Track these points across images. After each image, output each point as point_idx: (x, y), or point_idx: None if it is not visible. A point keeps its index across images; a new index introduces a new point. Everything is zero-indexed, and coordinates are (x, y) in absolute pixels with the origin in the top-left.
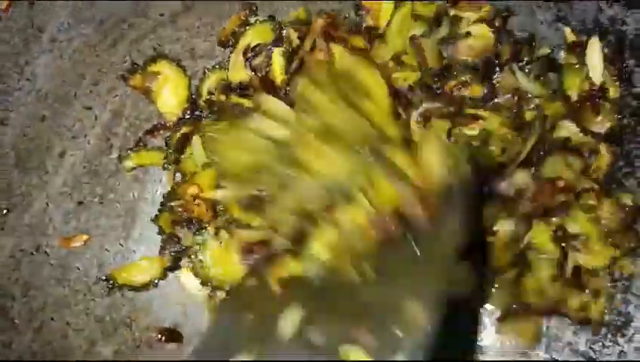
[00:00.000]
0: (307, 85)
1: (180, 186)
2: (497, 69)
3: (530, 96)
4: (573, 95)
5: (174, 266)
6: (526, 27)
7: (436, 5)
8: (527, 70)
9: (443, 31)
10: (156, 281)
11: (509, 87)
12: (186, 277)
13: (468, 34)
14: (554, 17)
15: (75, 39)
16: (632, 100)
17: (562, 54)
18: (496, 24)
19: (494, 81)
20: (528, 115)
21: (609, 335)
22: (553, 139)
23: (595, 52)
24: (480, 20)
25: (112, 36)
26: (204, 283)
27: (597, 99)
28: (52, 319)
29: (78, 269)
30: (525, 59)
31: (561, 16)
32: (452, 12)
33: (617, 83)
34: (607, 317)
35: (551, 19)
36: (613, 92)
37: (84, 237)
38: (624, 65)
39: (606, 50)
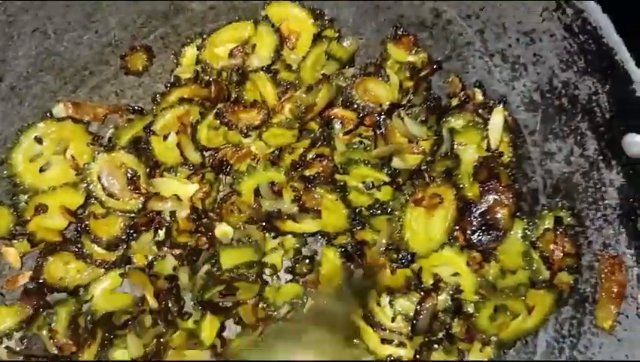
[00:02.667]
0: None
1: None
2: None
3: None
4: (469, 154)
5: None
6: (485, 84)
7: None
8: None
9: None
10: None
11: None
12: None
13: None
14: (510, 77)
15: (34, 87)
16: (584, 162)
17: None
18: (421, 73)
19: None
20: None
21: None
22: None
23: (497, 119)
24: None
25: (73, 83)
26: None
27: (491, 164)
28: None
29: None
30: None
31: (516, 77)
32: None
33: (513, 151)
34: None
35: (507, 79)
36: (507, 158)
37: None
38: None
39: (509, 119)
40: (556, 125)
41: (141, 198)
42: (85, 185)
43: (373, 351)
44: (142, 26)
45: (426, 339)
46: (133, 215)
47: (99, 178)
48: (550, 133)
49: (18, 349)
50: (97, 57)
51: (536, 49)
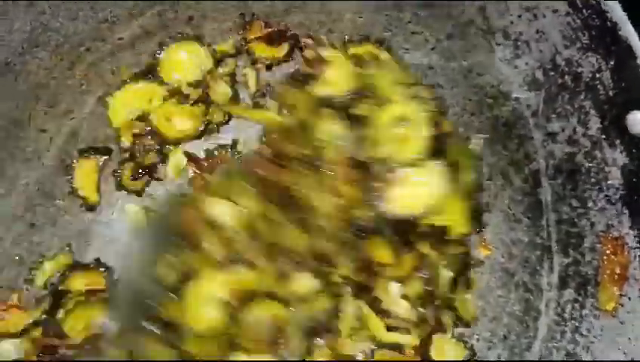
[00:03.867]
0: None
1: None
2: None
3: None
4: None
5: None
6: (486, 63)
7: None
8: None
9: None
10: None
11: None
12: None
13: None
14: (512, 55)
15: (29, 63)
16: (587, 141)
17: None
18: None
19: None
20: None
21: None
22: None
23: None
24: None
25: (68, 59)
26: None
27: None
28: None
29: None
30: None
31: (519, 55)
32: None
33: None
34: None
35: (509, 57)
36: None
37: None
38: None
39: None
40: (559, 104)
41: None
42: None
43: (379, 339)
44: (137, 3)
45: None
46: None
47: None
48: (553, 113)
49: None
50: (93, 34)
51: (539, 25)
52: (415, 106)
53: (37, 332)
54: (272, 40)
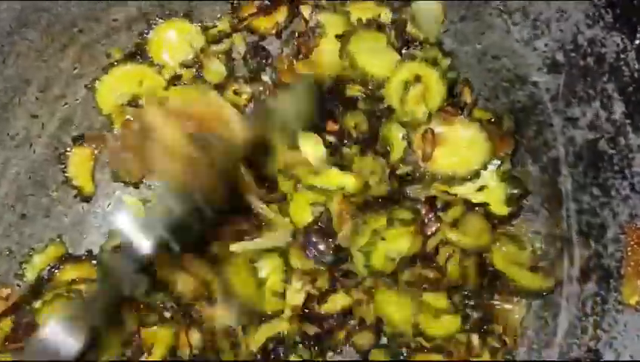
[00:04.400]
0: None
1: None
2: None
3: None
4: None
5: None
6: (501, 45)
7: None
8: None
9: None
10: None
11: None
12: None
13: None
14: (530, 36)
15: (18, 44)
16: (610, 126)
17: None
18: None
19: None
20: None
21: None
22: None
23: None
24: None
25: (60, 41)
26: None
27: None
28: None
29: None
30: None
31: (537, 35)
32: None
33: None
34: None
35: (527, 38)
36: None
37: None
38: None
39: None
40: (580, 88)
41: None
42: None
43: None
44: None
45: None
46: None
47: None
48: (573, 97)
49: None
50: (87, 14)
51: (560, 4)
52: (425, 65)
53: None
54: (267, 10)
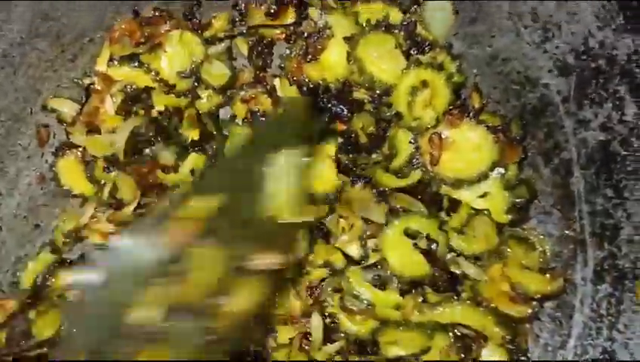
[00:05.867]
0: None
1: None
2: None
3: None
4: None
5: None
6: (512, 48)
7: None
8: None
9: None
10: None
11: None
12: None
13: None
14: (541, 39)
15: (29, 54)
16: (623, 128)
17: None
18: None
19: None
20: None
21: None
22: None
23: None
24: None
25: (71, 51)
26: None
27: None
28: None
29: None
30: None
31: (548, 38)
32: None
33: None
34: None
35: (538, 41)
36: None
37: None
38: None
39: None
40: (592, 90)
41: None
42: None
43: None
44: None
45: None
46: None
47: None
48: (585, 99)
49: None
50: (97, 23)
51: (570, 6)
52: (431, 70)
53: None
54: (274, 13)
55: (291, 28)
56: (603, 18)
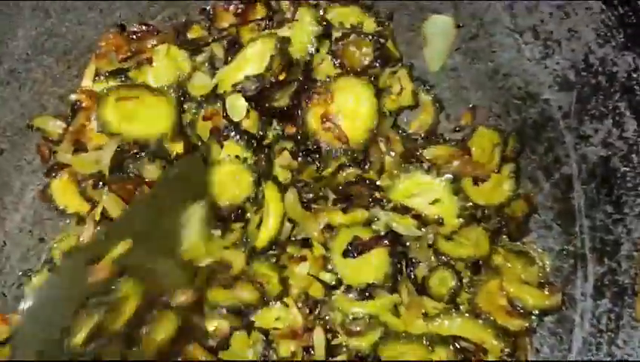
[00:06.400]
0: None
1: None
2: None
3: None
4: None
5: None
6: (512, 64)
7: None
8: None
9: None
10: None
11: None
12: None
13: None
14: (542, 55)
15: (34, 70)
16: (623, 144)
17: None
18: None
19: None
20: None
21: None
22: None
23: None
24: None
25: (76, 66)
26: None
27: None
28: None
29: None
30: None
31: (549, 54)
32: None
33: None
34: None
35: (539, 57)
36: None
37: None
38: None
39: None
40: (592, 105)
41: None
42: None
43: None
44: (149, 6)
45: None
46: None
47: None
48: (586, 115)
49: None
50: None
51: (570, 23)
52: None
53: None
54: (242, 13)
55: (262, 24)
56: (603, 35)
